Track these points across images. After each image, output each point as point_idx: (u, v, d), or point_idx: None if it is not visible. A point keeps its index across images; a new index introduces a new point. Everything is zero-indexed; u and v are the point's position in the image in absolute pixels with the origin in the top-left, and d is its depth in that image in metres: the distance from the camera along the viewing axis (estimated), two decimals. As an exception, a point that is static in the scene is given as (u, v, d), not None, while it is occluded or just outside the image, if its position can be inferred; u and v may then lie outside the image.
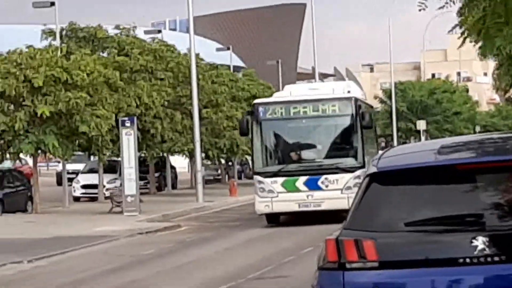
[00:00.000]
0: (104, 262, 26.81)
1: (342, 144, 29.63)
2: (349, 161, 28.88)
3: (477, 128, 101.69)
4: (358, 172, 28.54)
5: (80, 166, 55.96)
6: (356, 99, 30.41)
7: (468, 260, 6.72)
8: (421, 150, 9.44)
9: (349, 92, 31.82)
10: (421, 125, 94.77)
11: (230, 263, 23.89)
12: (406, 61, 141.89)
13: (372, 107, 43.75)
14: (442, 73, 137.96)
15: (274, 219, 30.11)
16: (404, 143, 75.39)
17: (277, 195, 28.31)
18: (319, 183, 28.31)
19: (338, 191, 27.96)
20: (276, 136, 29.91)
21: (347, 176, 28.21)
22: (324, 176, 28.31)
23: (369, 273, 7.01)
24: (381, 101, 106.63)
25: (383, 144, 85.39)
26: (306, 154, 29.73)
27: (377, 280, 6.97)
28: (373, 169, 7.81)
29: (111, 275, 24.10)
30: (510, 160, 7.29)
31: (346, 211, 29.03)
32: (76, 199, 51.72)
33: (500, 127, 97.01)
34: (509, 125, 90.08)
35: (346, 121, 29.10)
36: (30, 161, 47.58)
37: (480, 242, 6.70)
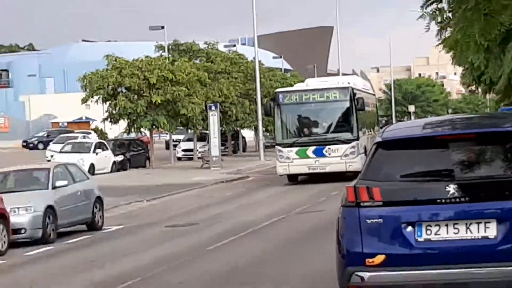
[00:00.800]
0: (198, 201, 27.11)
1: (341, 122, 28.98)
2: (346, 135, 28.22)
3: (450, 111, 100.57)
4: (353, 143, 28.35)
5: (181, 137, 55.04)
6: (352, 89, 29.53)
7: (443, 200, 7.03)
8: (412, 126, 9.79)
9: (348, 83, 31.10)
10: (411, 108, 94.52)
11: (281, 203, 23.67)
12: (402, 65, 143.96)
13: (374, 95, 41.83)
14: (426, 73, 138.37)
15: (293, 179, 29.83)
16: (400, 121, 75.73)
17: (292, 161, 28.10)
18: (324, 151, 28.00)
19: (338, 158, 27.75)
20: (292, 116, 29.36)
21: (345, 146, 27.78)
22: (328, 146, 28.01)
23: (376, 209, 7.29)
24: (384, 92, 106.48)
25: (384, 122, 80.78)
26: (314, 130, 29.47)
27: (381, 214, 7.25)
28: (379, 139, 8.10)
29: (204, 209, 24.23)
30: (471, 133, 7.77)
31: (344, 172, 24.10)
32: (179, 158, 51.31)
33: (465, 110, 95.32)
34: (471, 108, 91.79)
35: (345, 105, 28.45)
36: (147, 133, 45.84)
37: (451, 188, 7.00)
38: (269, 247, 15.58)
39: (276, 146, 30.67)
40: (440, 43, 16.40)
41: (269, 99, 35.74)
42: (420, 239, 7.27)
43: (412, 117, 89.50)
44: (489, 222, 7.08)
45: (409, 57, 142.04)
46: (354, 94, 29.31)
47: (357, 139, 28.69)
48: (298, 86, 36.06)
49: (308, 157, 28.38)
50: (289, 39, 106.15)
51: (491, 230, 7.05)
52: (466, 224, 7.15)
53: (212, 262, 14.19)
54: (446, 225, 7.22)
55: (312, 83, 35.17)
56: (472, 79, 30.27)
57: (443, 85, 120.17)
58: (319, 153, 28.17)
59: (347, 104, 28.57)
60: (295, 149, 28.77)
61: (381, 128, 31.01)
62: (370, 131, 34.34)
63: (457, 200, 7.19)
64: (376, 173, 7.70)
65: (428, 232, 7.26)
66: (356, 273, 7.26)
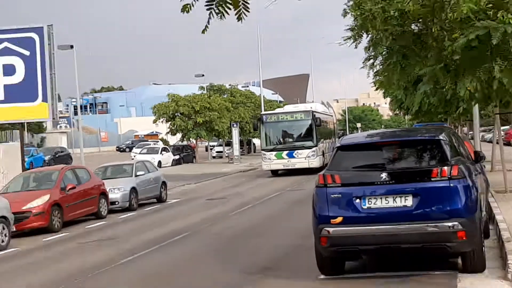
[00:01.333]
0: (225, 184, 26.72)
1: (305, 135, 27.91)
2: (309, 143, 27.09)
3: (382, 126, 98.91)
4: (313, 149, 27.37)
5: (214, 143, 53.17)
6: (313, 111, 28.68)
7: (378, 182, 7.08)
8: (359, 136, 10.09)
9: (310, 108, 30.38)
10: (358, 125, 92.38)
11: (274, 185, 23.18)
12: (353, 97, 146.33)
13: (331, 115, 39.75)
14: (368, 102, 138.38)
15: (275, 173, 28.85)
16: (351, 133, 76.48)
17: (272, 160, 27.12)
18: (294, 154, 26.98)
19: (303, 158, 26.69)
20: (272, 130, 28.30)
21: (308, 150, 26.63)
22: (296, 150, 26.92)
23: (336, 188, 7.32)
24: (342, 115, 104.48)
25: (340, 134, 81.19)
26: (287, 140, 28.50)
27: (340, 191, 7.28)
28: (338, 144, 8.51)
29: (229, 189, 23.95)
30: (395, 140, 8.02)
31: (308, 168, 28.57)
32: (213, 157, 49.68)
33: (392, 126, 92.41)
34: (396, 125, 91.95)
35: (307, 123, 27.49)
36: (194, 141, 45.31)
37: (383, 175, 7.10)
38: (272, 212, 15.74)
39: (261, 151, 29.80)
40: (375, 85, 15.93)
41: (256, 119, 32.20)
42: (364, 207, 7.23)
43: (359, 131, 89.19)
44: (408, 196, 7.04)
45: (357, 92, 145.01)
46: (314, 115, 28.50)
47: (316, 145, 27.96)
48: (277, 110, 35.23)
49: (283, 158, 27.63)
50: (282, 82, 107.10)
51: (409, 201, 7.04)
52: (393, 197, 7.11)
53: (235, 221, 14.38)
54: (381, 198, 7.18)
55: (287, 108, 34.38)
56: (396, 107, 29.92)
57: (378, 110, 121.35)
58: (290, 156, 27.38)
59: (309, 122, 27.91)
60: (274, 152, 27.99)
61: (339, 138, 30.58)
62: (328, 140, 33.51)
63: (387, 182, 7.22)
64: (337, 166, 7.75)
65: (369, 202, 7.23)
66: (325, 228, 7.29)
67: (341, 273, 7.95)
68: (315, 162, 27.24)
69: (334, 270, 7.96)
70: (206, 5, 2.64)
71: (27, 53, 19.03)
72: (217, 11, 2.62)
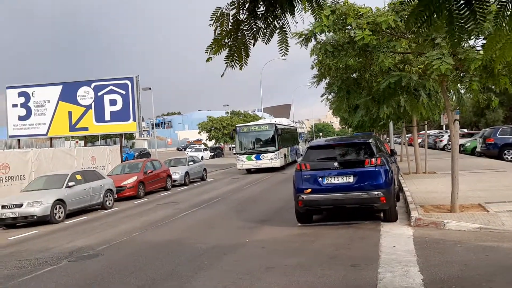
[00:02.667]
0: (241, 170, 33.54)
1: (270, 142, 31.36)
2: (272, 148, 30.96)
3: (335, 135, 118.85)
4: (275, 153, 30.65)
5: (234, 145, 63.15)
6: (275, 124, 31.74)
7: (332, 168, 9.90)
8: (320, 140, 11.94)
9: (275, 121, 34.06)
10: (320, 134, 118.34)
11: (260, 175, 30.09)
12: (317, 117, 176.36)
13: (295, 127, 42.92)
14: (326, 120, 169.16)
15: (248, 171, 32.23)
16: (316, 138, 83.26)
17: (244, 162, 31.26)
18: (260, 157, 30.91)
19: (267, 160, 30.73)
20: (244, 139, 31.87)
21: (271, 154, 30.51)
22: (262, 154, 30.85)
23: (307, 171, 10.08)
24: (310, 128, 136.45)
25: (309, 139, 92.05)
26: (255, 146, 31.86)
27: (310, 173, 10.06)
28: (308, 145, 11.02)
29: (242, 174, 31.95)
30: (342, 143, 10.57)
31: (271, 167, 31.11)
32: (234, 154, 61.02)
33: (340, 135, 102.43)
34: (343, 134, 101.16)
35: (271, 133, 31.27)
36: (222, 144, 64.05)
37: (335, 164, 9.80)
38: (266, 188, 20.41)
39: (236, 154, 33.12)
40: (330, 109, 23.86)
41: (232, 130, 35.74)
42: (324, 183, 9.92)
43: (321, 137, 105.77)
44: (350, 176, 9.75)
45: (322, 113, 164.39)
46: (276, 127, 31.76)
47: (278, 150, 31.03)
48: (250, 123, 37.23)
49: (252, 160, 31.44)
50: (275, 108, 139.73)
51: (351, 179, 9.74)
52: (341, 177, 9.84)
53: (246, 192, 19.16)
54: (334, 177, 9.94)
55: (257, 122, 37.60)
56: (343, 123, 39.90)
57: (332, 125, 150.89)
58: (257, 158, 31.22)
59: (272, 132, 31.31)
60: (245, 156, 31.66)
61: (308, 141, 39.75)
62: (290, 145, 36.26)
63: (337, 168, 9.87)
64: (307, 158, 10.28)
65: (327, 180, 9.93)
66: (301, 195, 10.00)
67: (311, 222, 10.59)
68: (277, 163, 29.74)
69: (306, 220, 10.56)
70: (224, 60, 6.21)
71: (123, 92, 30.11)
72: (230, 64, 6.10)
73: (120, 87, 30.69)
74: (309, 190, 9.95)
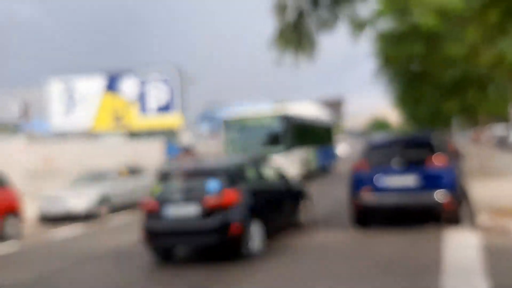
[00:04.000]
0: None
1: (275, 140, 23.58)
2: (279, 148, 23.59)
3: (394, 133, 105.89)
4: (283, 154, 22.44)
5: None
6: (285, 117, 23.26)
7: (394, 168, 10.24)
8: (381, 138, 11.86)
9: (285, 113, 24.61)
10: (380, 133, 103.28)
11: None
12: (371, 113, 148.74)
13: (328, 122, 34.87)
14: (383, 115, 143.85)
15: None
16: (377, 137, 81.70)
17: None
18: None
19: None
20: (237, 137, 23.55)
21: (277, 157, 21.28)
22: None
23: (366, 171, 10.58)
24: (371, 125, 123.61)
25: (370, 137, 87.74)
26: (254, 146, 23.51)
27: (368, 174, 10.30)
28: (367, 143, 11.25)
29: None
30: (406, 141, 10.88)
31: None
32: None
33: (401, 132, 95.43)
34: (403, 131, 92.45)
35: (278, 128, 22.97)
36: None
37: (397, 163, 10.05)
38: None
39: None
40: (390, 103, 24.55)
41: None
42: (383, 184, 10.10)
43: (378, 135, 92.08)
44: (411, 176, 9.94)
45: (377, 109, 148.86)
46: (287, 120, 23.34)
47: (288, 150, 23.11)
48: (246, 115, 26.08)
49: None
50: (327, 102, 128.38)
51: (412, 180, 9.90)
52: (401, 177, 10.11)
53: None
54: (393, 177, 10.02)
55: (257, 112, 29.04)
56: (404, 118, 39.81)
57: (390, 121, 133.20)
58: None
59: (279, 128, 22.99)
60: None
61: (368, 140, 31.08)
62: (317, 145, 28.60)
63: (399, 168, 10.06)
64: (366, 156, 10.56)
65: (386, 180, 10.12)
66: (357, 197, 10.30)
67: (366, 225, 10.53)
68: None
69: (362, 224, 10.49)
70: (287, 52, 6.41)
71: (168, 83, 31.24)
72: (295, 56, 6.31)
73: (165, 77, 32.02)
74: (367, 191, 10.04)
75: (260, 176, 9.51)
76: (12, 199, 13.18)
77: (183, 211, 8.34)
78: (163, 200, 8.53)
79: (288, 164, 21.11)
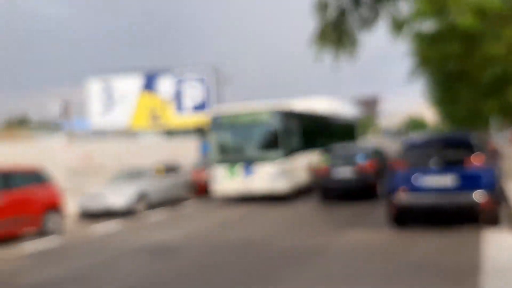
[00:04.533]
0: None
1: (268, 143, 18.10)
2: (272, 154, 17.82)
3: (430, 132, 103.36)
4: (279, 162, 18.18)
5: None
6: (283, 113, 17.95)
7: (432, 167, 10.19)
8: (418, 137, 12.00)
9: (282, 108, 18.46)
10: (415, 132, 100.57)
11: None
12: (406, 112, 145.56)
13: (352, 119, 30.92)
14: (418, 114, 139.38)
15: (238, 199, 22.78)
16: (413, 135, 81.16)
17: (223, 179, 18.48)
18: (252, 169, 18.56)
19: (263, 176, 18.31)
20: (226, 137, 18.73)
21: (271, 166, 17.91)
22: (254, 164, 18.24)
23: (404, 170, 10.59)
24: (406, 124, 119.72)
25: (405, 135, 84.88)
26: (244, 149, 19.19)
27: (407, 172, 10.40)
28: (404, 142, 11.41)
29: None
30: (444, 140, 10.79)
31: (272, 194, 18.83)
32: None
33: (437, 131, 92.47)
34: (439, 130, 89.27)
35: (271, 127, 17.62)
36: None
37: (435, 163, 10.18)
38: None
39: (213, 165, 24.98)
40: (429, 104, 23.91)
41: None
42: (421, 182, 9.99)
43: (416, 134, 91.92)
44: (449, 176, 9.76)
45: (413, 107, 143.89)
46: (285, 116, 18.32)
47: (285, 157, 17.97)
48: (236, 111, 29.25)
49: (237, 175, 19.11)
50: (360, 100, 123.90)
51: (450, 179, 9.78)
52: (439, 176, 9.96)
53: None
54: (431, 177, 9.87)
55: (248, 108, 29.37)
56: (441, 118, 38.07)
57: (426, 120, 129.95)
58: (247, 171, 18.52)
59: (273, 126, 17.72)
60: (226, 166, 19.48)
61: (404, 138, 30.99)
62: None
63: (437, 167, 9.96)
64: (404, 156, 10.46)
65: (424, 180, 9.97)
66: (396, 195, 10.23)
67: (404, 225, 10.51)
68: (280, 184, 16.94)
69: (398, 224, 10.46)
70: (327, 49, 6.44)
71: (204, 81, 32.10)
72: (336, 53, 6.33)
73: (200, 76, 32.33)
74: (405, 190, 10.00)
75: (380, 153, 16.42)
76: (54, 196, 13.60)
77: (344, 171, 15.98)
78: (331, 166, 15.68)
79: (282, 173, 16.70)
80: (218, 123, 17.74)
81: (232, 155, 17.28)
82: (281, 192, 16.35)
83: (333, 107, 25.49)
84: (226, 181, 17.14)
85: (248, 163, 17.04)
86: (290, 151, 17.35)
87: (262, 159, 16.78)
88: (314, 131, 20.41)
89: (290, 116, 17.76)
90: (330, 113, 23.96)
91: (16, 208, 12.35)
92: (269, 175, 16.67)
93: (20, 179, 12.84)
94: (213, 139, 17.68)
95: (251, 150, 17.16)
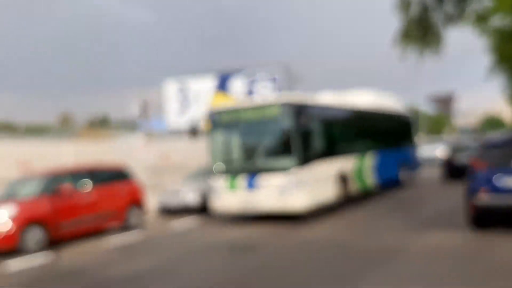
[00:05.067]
0: None
1: (279, 146, 13.97)
2: (284, 163, 13.69)
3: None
4: (292, 171, 14.14)
5: None
6: (295, 105, 13.71)
7: (511, 168, 9.62)
8: (498, 137, 11.44)
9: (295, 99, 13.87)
10: (495, 132, 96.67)
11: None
12: (481, 109, 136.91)
13: (405, 113, 24.37)
14: (495, 112, 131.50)
15: (241, 219, 20.59)
16: (492, 135, 76.81)
17: (224, 192, 15.09)
18: (257, 181, 11.56)
19: (273, 189, 14.69)
20: (228, 138, 14.65)
21: (282, 176, 13.76)
22: (261, 175, 14.81)
23: (484, 171, 10.12)
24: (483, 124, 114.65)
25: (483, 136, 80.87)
26: (250, 154, 15.35)
27: (486, 173, 10.01)
28: (483, 142, 11.05)
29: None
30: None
31: (284, 213, 14.75)
32: None
33: None
34: None
35: (281, 124, 13.54)
36: None
37: None
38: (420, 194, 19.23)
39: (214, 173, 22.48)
40: (507, 100, 23.69)
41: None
42: (501, 184, 9.75)
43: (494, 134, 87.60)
44: None
45: (488, 105, 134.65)
46: (299, 110, 14.69)
47: (301, 165, 14.04)
48: (238, 105, 27.18)
49: (238, 188, 15.76)
50: (435, 99, 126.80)
51: None
52: None
53: (406, 194, 19.14)
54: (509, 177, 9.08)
55: (253, 101, 26.19)
56: None
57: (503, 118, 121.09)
58: (251, 184, 14.83)
59: (283, 123, 13.22)
60: (227, 178, 17.37)
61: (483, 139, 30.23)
62: (377, 149, 20.78)
63: None
64: (484, 157, 10.20)
65: (505, 181, 9.67)
66: (475, 197, 9.99)
67: (484, 227, 10.26)
68: (295, 199, 12.75)
69: (478, 226, 10.20)
70: (412, 47, 6.39)
71: (275, 81, 32.69)
72: (421, 51, 6.28)
73: (272, 76, 32.51)
74: (484, 191, 9.73)
75: None
76: (136, 192, 14.26)
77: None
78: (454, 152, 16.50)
79: (298, 184, 12.51)
80: (215, 122, 13.76)
81: (233, 163, 13.39)
82: (296, 210, 12.33)
83: (379, 101, 19.49)
84: (227, 195, 13.29)
85: (252, 173, 12.88)
86: (309, 158, 12.91)
87: (269, 169, 12.65)
88: (347, 131, 15.91)
89: (307, 111, 13.12)
90: (374, 107, 18.54)
91: (103, 203, 13.17)
92: (279, 189, 12.58)
93: (105, 176, 13.68)
94: (210, 141, 13.83)
95: (256, 156, 13.02)
